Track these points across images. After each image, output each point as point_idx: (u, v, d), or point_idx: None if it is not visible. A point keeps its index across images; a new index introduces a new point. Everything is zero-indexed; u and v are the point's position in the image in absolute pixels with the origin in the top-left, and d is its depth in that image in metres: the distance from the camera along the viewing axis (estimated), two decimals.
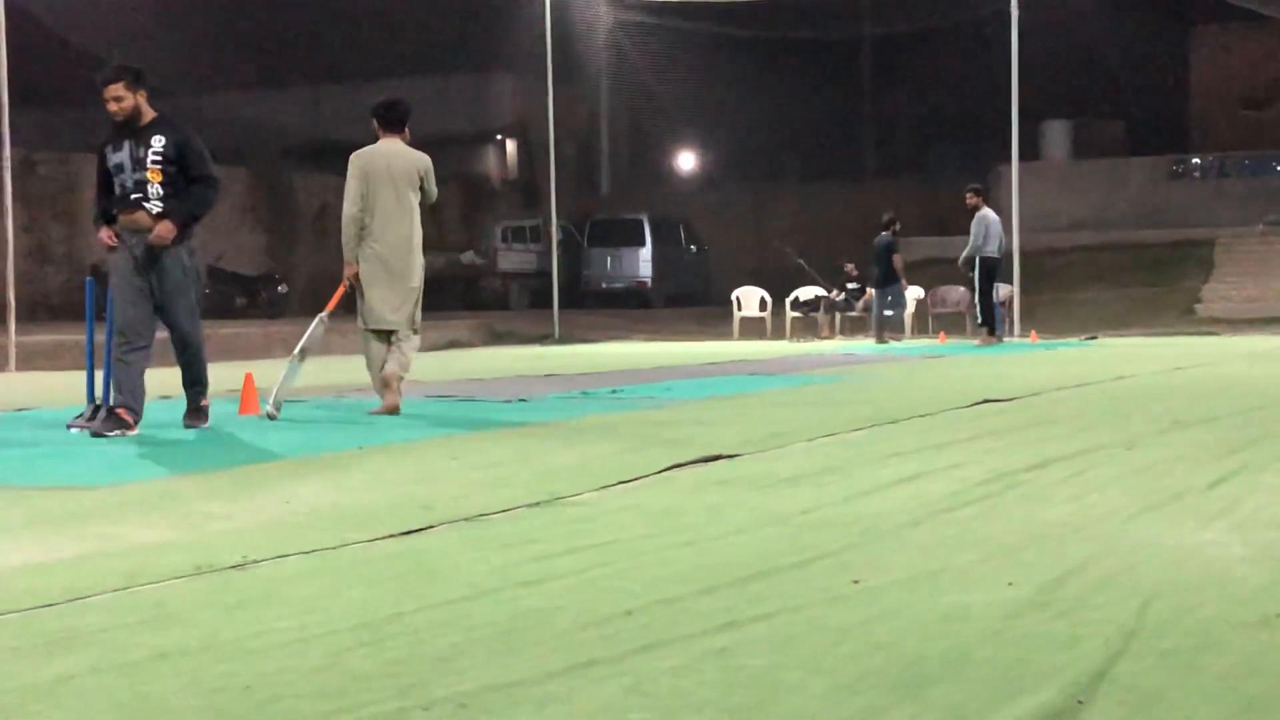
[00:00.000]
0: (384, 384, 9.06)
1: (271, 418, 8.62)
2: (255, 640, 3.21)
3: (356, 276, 9.16)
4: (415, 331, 9.25)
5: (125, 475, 6.26)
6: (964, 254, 19.82)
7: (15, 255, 16.07)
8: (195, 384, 8.35)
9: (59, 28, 18.74)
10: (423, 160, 9.17)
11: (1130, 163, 36.43)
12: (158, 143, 7.97)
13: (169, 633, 3.30)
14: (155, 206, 7.98)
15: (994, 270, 19.87)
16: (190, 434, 8.06)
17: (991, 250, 19.69)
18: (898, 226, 21.52)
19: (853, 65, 41.64)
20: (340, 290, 9.37)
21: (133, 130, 7.99)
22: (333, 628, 3.31)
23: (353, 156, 9.12)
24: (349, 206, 9.10)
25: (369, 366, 9.27)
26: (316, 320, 9.30)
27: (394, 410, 8.98)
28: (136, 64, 8.19)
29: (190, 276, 8.23)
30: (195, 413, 8.32)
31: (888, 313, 21.46)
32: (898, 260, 21.16)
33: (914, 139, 43.74)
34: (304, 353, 9.14)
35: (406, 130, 9.28)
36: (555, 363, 16.13)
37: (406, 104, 9.35)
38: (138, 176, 7.97)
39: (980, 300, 19.83)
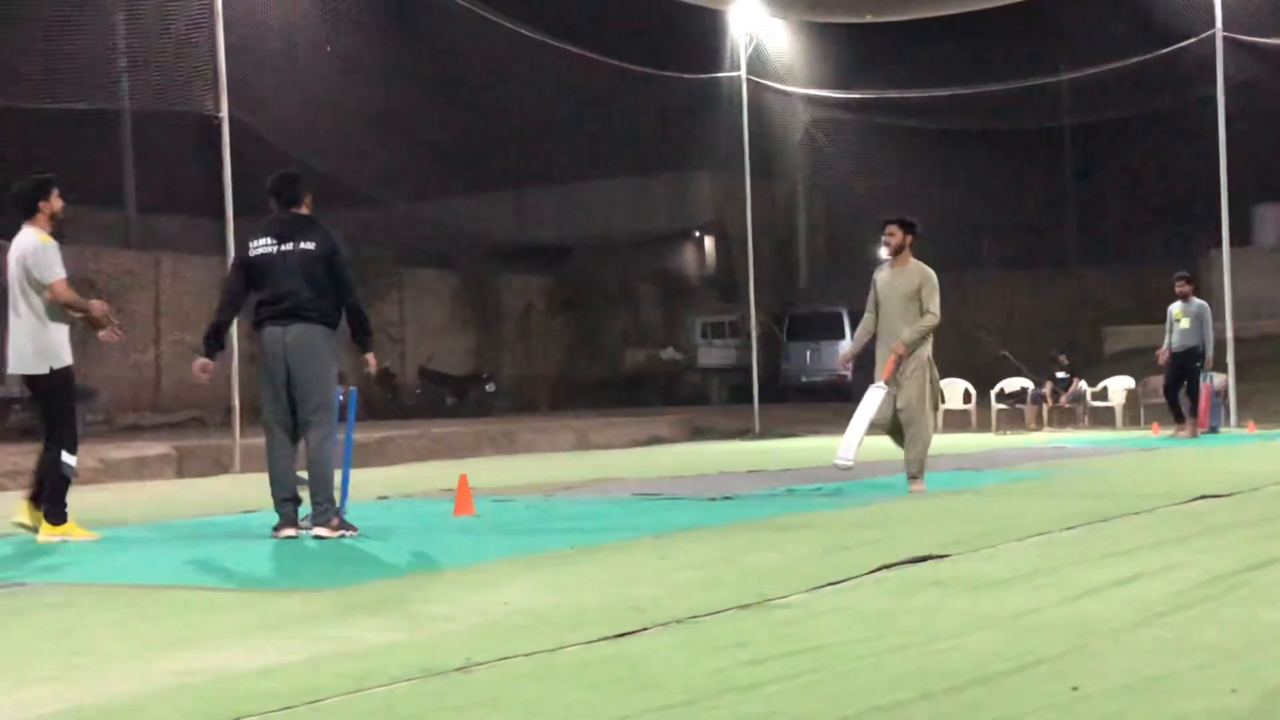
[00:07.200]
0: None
1: (846, 468, 10.69)
2: None
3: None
4: (924, 416, 10.74)
5: (349, 577, 6.50)
6: (1209, 351, 19.10)
7: (240, 358, 16.74)
8: None
9: (279, 142, 19.61)
10: (919, 276, 10.71)
11: None
12: None
13: None
14: None
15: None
16: (407, 534, 8.31)
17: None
18: None
19: (1055, 153, 41.10)
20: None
21: None
22: None
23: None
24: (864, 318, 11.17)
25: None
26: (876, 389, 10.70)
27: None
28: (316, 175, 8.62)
29: None
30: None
31: None
32: None
33: (1120, 226, 42.88)
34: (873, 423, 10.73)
35: (907, 251, 10.87)
36: (757, 458, 16.16)
37: (901, 230, 10.88)
38: None
39: (1192, 390, 19.26)
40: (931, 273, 10.74)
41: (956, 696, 3.69)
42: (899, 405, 10.61)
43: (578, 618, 5.07)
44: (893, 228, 10.84)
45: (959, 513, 8.91)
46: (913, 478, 10.71)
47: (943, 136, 29.01)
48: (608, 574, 6.33)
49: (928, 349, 10.72)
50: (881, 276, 10.91)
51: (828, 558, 6.60)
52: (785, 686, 3.87)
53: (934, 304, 10.62)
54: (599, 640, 4.63)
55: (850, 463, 10.68)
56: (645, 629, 4.82)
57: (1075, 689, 3.72)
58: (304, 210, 8.42)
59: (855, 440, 10.70)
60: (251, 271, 8.30)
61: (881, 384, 10.63)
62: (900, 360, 10.55)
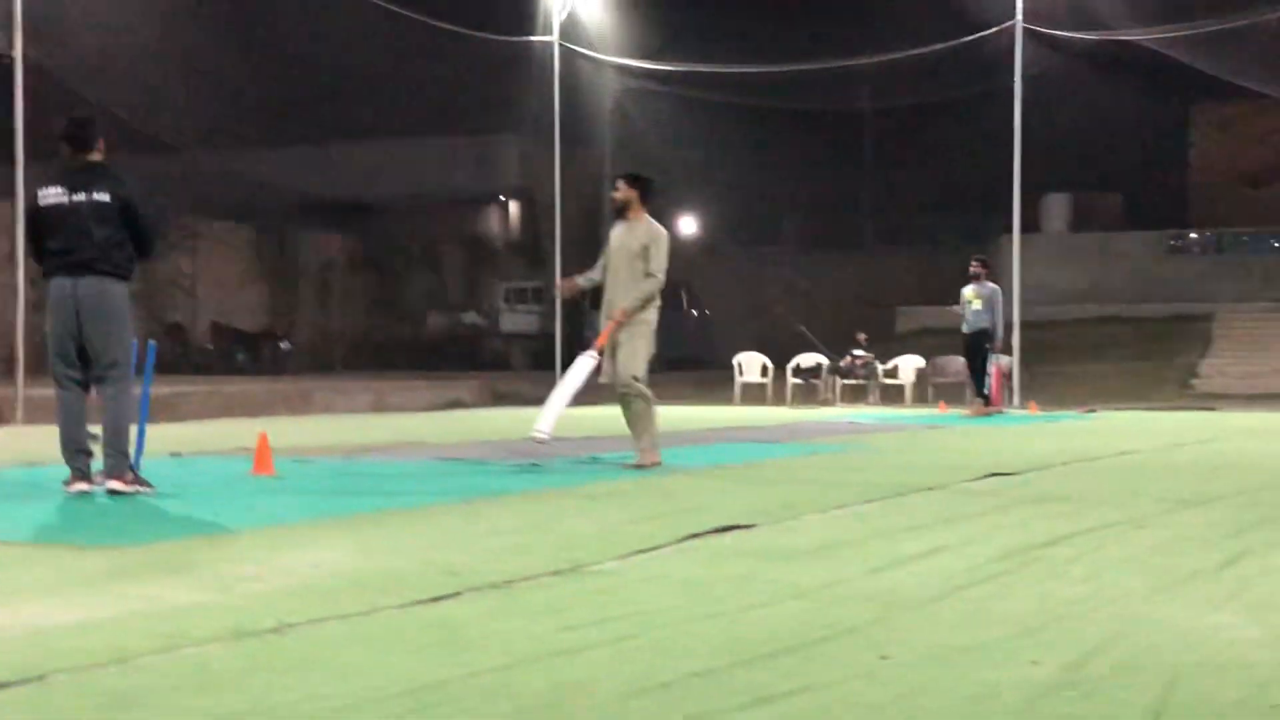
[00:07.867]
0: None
1: (540, 440, 10.05)
2: (306, 705, 3.29)
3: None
4: (637, 391, 9.95)
5: (151, 535, 6.35)
6: (999, 333, 19.85)
7: (25, 307, 16.16)
8: None
9: (75, 83, 18.91)
10: (648, 233, 9.98)
11: (1128, 236, 36.71)
12: None
13: (220, 697, 3.38)
14: None
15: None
16: (206, 493, 8.14)
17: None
18: None
19: (855, 135, 42.01)
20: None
21: None
22: (379, 695, 3.39)
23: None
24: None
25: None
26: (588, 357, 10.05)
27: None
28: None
29: None
30: None
31: None
32: None
33: (915, 209, 44.06)
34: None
35: (639, 208, 10.14)
36: (560, 426, 16.15)
37: (627, 184, 10.20)
38: None
39: (981, 370, 19.95)
40: (661, 231, 10.02)
41: (770, 664, 3.77)
42: (618, 379, 9.92)
43: (390, 581, 5.04)
44: (620, 182, 10.19)
45: (761, 484, 9.08)
46: (643, 451, 10.03)
47: (750, 113, 29.42)
48: (417, 538, 6.29)
49: (652, 316, 10.04)
50: (614, 233, 10.17)
51: (637, 526, 6.67)
52: (603, 652, 3.91)
53: (657, 265, 9.86)
54: (414, 604, 4.61)
55: (546, 436, 10.04)
56: (460, 593, 4.81)
57: (885, 658, 3.84)
58: (98, 157, 8.10)
59: (556, 413, 10.10)
60: (41, 222, 7.98)
61: (593, 353, 9.98)
62: (618, 328, 9.89)
